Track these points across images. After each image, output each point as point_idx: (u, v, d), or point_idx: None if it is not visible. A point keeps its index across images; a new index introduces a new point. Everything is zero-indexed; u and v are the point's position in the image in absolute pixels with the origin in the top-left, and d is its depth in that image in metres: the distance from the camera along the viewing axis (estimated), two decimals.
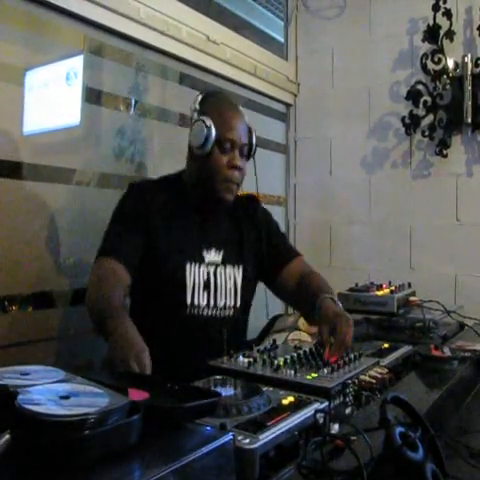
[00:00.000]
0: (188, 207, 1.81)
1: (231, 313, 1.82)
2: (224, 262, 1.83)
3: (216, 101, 1.81)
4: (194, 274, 1.76)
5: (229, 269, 1.84)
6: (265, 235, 1.96)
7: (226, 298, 1.81)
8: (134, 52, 2.29)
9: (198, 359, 1.42)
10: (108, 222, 1.73)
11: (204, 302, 1.77)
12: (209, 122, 1.69)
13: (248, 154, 1.82)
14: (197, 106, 1.76)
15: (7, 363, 0.95)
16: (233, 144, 1.74)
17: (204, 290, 1.77)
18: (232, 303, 1.83)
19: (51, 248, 1.95)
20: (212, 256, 1.81)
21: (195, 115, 1.75)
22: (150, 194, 1.76)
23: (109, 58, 2.18)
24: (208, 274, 1.78)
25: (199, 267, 1.77)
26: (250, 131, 1.81)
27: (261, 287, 1.99)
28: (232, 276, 1.84)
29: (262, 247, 1.93)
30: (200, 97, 1.79)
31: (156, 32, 2.34)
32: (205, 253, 1.80)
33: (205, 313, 1.77)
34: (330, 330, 1.50)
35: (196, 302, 1.75)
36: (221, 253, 1.83)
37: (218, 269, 1.81)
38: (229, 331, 1.63)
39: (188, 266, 1.75)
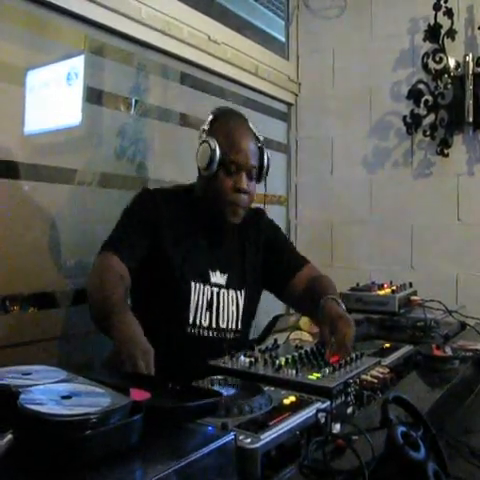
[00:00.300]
0: (197, 223, 1.80)
1: (232, 336, 1.81)
2: (228, 285, 1.82)
3: (225, 122, 1.77)
4: (199, 293, 1.74)
5: (232, 293, 1.83)
6: (269, 246, 1.95)
7: (228, 321, 1.80)
8: (135, 52, 2.29)
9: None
10: (118, 219, 1.74)
11: (206, 323, 1.75)
12: (214, 144, 1.68)
13: (259, 176, 1.80)
14: (206, 126, 1.75)
15: (9, 363, 0.95)
16: (238, 166, 1.71)
17: (207, 310, 1.75)
18: (233, 326, 1.82)
19: (53, 248, 1.95)
20: (217, 278, 1.80)
21: (203, 135, 1.74)
22: (163, 204, 1.75)
23: (110, 58, 2.17)
24: (212, 295, 1.77)
25: (204, 287, 1.76)
26: (261, 152, 1.79)
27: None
28: (235, 300, 1.83)
29: (260, 258, 1.93)
30: (210, 117, 1.77)
31: (157, 32, 2.33)
32: (211, 274, 1.79)
33: (206, 334, 1.76)
34: (331, 331, 1.49)
35: (198, 322, 1.74)
36: (225, 276, 1.82)
37: (222, 291, 1.80)
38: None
39: (193, 284, 1.73)
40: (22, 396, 0.75)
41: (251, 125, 1.82)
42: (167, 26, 2.38)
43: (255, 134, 1.80)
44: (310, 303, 1.73)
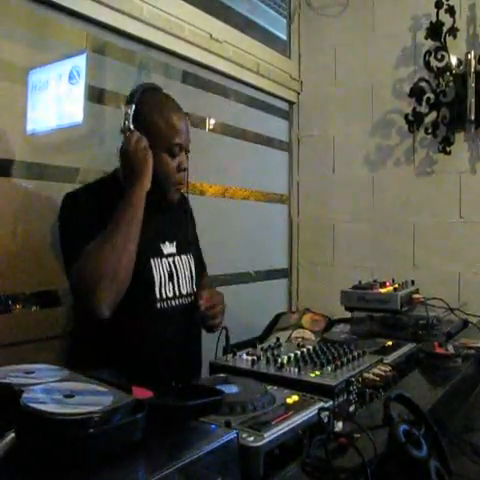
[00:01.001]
0: None
1: (191, 299, 1.84)
2: (179, 252, 1.85)
3: (158, 104, 1.75)
4: (158, 267, 1.77)
5: (184, 257, 1.86)
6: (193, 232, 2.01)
7: (187, 286, 1.83)
8: (137, 51, 2.29)
9: (172, 349, 1.53)
10: (60, 235, 1.69)
11: (171, 293, 1.78)
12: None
13: None
14: (135, 111, 1.70)
15: (12, 362, 0.95)
16: (181, 147, 1.74)
17: (169, 282, 1.78)
18: (191, 290, 1.85)
19: (55, 246, 1.95)
20: (167, 248, 1.83)
21: (131, 127, 1.70)
22: (92, 196, 1.72)
23: (112, 57, 2.17)
24: (169, 265, 1.80)
25: (160, 260, 1.78)
26: (188, 125, 1.80)
27: (265, 284, 2.00)
28: (187, 264, 1.87)
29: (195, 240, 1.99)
30: (134, 107, 1.71)
31: (159, 31, 2.33)
32: (162, 246, 1.81)
33: (173, 304, 1.78)
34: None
35: (164, 295, 1.76)
36: (174, 244, 1.85)
37: (175, 259, 1.83)
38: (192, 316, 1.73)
39: (152, 261, 1.75)
40: (25, 395, 0.75)
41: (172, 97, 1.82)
42: (169, 25, 2.38)
43: (180, 107, 1.80)
44: None
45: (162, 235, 1.83)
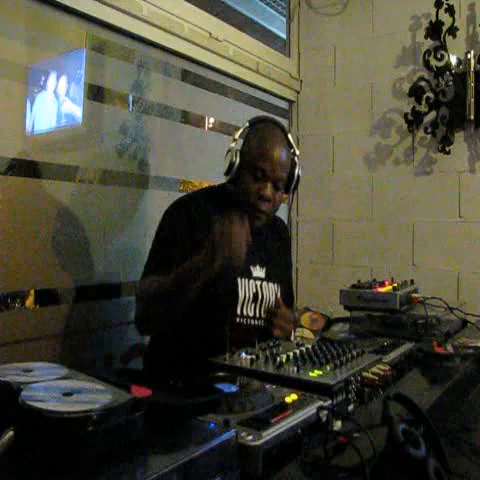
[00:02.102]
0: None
1: None
2: (267, 279, 1.90)
3: (260, 128, 1.82)
4: (244, 287, 1.82)
5: (271, 285, 1.90)
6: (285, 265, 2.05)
7: (268, 311, 1.87)
8: (136, 49, 2.29)
9: None
10: (154, 240, 1.78)
11: (251, 313, 1.83)
12: (235, 150, 1.76)
13: (286, 188, 1.83)
14: (237, 136, 1.80)
15: (11, 360, 0.95)
16: (265, 174, 1.75)
17: (252, 302, 1.83)
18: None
19: (55, 245, 1.95)
20: (257, 272, 1.87)
21: (233, 144, 1.79)
22: (194, 209, 1.78)
23: (111, 55, 2.17)
24: (256, 288, 1.85)
25: (248, 281, 1.83)
26: (292, 165, 1.82)
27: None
28: (274, 292, 1.90)
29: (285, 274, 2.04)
30: (247, 123, 1.82)
31: (158, 29, 2.33)
32: (252, 269, 1.86)
33: (252, 323, 1.83)
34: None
35: (245, 312, 1.81)
36: (264, 270, 1.90)
37: (263, 284, 1.88)
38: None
39: (239, 280, 1.80)
40: (23, 393, 0.75)
41: (289, 136, 1.84)
42: (168, 23, 2.38)
43: (290, 145, 1.83)
44: None
45: (253, 258, 1.85)
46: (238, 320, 1.80)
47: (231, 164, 1.76)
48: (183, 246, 1.71)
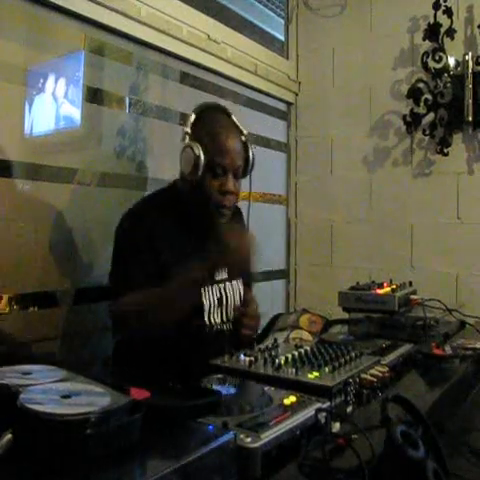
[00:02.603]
0: (188, 225, 1.78)
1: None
2: (230, 278, 1.86)
3: (209, 122, 1.74)
4: (208, 294, 1.77)
5: (234, 283, 1.87)
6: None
7: (235, 311, 1.84)
8: (135, 51, 2.29)
9: None
10: (114, 252, 1.73)
11: (218, 319, 1.80)
12: (197, 150, 1.66)
13: (244, 173, 1.79)
14: (189, 128, 1.72)
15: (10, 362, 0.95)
16: (225, 169, 1.70)
17: (218, 308, 1.80)
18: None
19: (54, 247, 1.95)
20: (219, 273, 1.81)
21: (187, 138, 1.71)
22: (151, 220, 1.72)
23: (110, 57, 2.17)
24: (220, 291, 1.82)
25: (212, 287, 1.79)
26: (246, 149, 1.77)
27: (263, 285, 2.00)
28: (237, 289, 1.87)
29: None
30: (193, 118, 1.74)
31: (157, 31, 2.33)
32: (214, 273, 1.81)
33: (220, 328, 1.80)
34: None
35: (213, 321, 1.78)
36: (226, 270, 1.84)
37: (226, 285, 1.84)
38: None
39: (203, 289, 1.75)
40: (22, 395, 0.75)
41: (235, 119, 1.79)
42: (167, 25, 2.38)
43: (240, 130, 1.78)
44: None
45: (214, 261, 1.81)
46: (207, 330, 1.76)
47: (196, 164, 1.66)
48: (150, 259, 1.66)
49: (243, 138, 1.78)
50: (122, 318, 1.65)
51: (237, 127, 1.78)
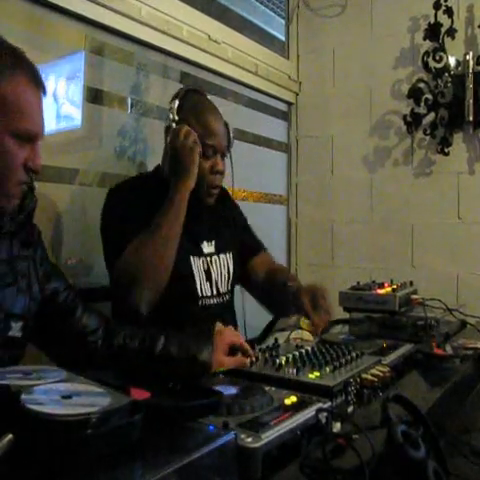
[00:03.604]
0: None
1: (228, 297, 1.90)
2: (217, 251, 1.88)
3: (194, 106, 1.79)
4: (197, 266, 1.80)
5: (222, 256, 1.89)
6: (237, 226, 2.04)
7: (223, 285, 1.87)
8: (135, 51, 2.29)
9: None
10: (102, 231, 1.74)
11: (208, 292, 1.82)
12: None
13: (227, 153, 1.84)
14: (175, 116, 1.75)
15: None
16: (215, 149, 1.76)
17: (207, 281, 1.82)
18: (228, 288, 1.90)
19: (54, 248, 1.95)
20: (206, 247, 1.86)
21: (173, 125, 1.74)
22: (135, 193, 1.75)
23: (110, 57, 2.17)
24: (207, 264, 1.83)
25: (199, 259, 1.82)
26: (227, 130, 1.83)
27: None
28: (225, 263, 1.90)
29: (238, 236, 2.01)
30: (176, 103, 1.77)
31: (157, 31, 2.33)
32: (201, 245, 1.85)
33: (211, 302, 1.82)
34: (311, 301, 1.55)
35: (203, 293, 1.80)
36: (213, 243, 1.88)
37: (213, 258, 1.86)
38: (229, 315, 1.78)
39: (192, 259, 1.79)
40: (23, 396, 0.75)
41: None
42: (167, 25, 2.38)
43: (220, 112, 1.84)
44: (273, 292, 1.89)
45: (201, 234, 1.86)
46: (201, 303, 1.78)
47: None
48: (134, 222, 1.66)
49: (223, 119, 1.85)
50: (129, 269, 1.60)
51: (218, 110, 1.85)
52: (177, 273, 1.69)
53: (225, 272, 1.89)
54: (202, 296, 1.80)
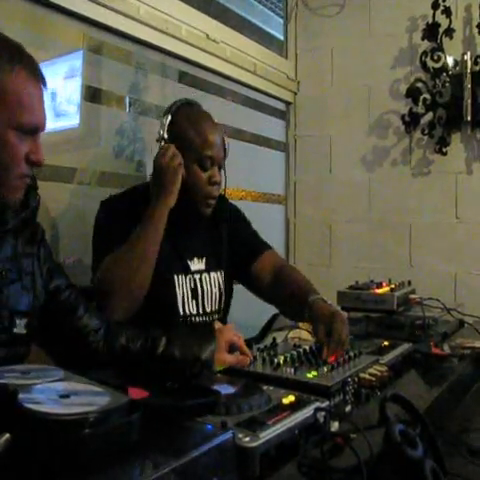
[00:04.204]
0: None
1: (217, 317, 1.85)
2: (208, 269, 1.86)
3: (191, 117, 1.77)
4: (182, 284, 1.78)
5: (213, 274, 1.87)
6: (237, 232, 1.98)
7: (212, 303, 1.84)
8: (134, 50, 2.28)
9: None
10: (92, 239, 1.74)
11: (194, 310, 1.79)
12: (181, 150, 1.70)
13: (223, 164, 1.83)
14: (164, 132, 1.74)
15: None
16: (213, 161, 1.75)
17: (193, 299, 1.79)
18: (217, 308, 1.86)
19: (52, 247, 1.94)
20: (195, 264, 1.83)
21: (162, 143, 1.73)
22: (125, 206, 1.75)
23: (108, 56, 2.17)
24: (195, 282, 1.81)
25: (186, 277, 1.79)
26: (223, 141, 1.82)
27: None
28: (216, 281, 1.87)
29: (235, 245, 1.96)
30: (169, 119, 1.75)
31: (156, 30, 2.33)
32: (189, 263, 1.82)
33: (195, 320, 1.79)
34: (326, 329, 1.50)
35: (187, 311, 1.78)
36: (203, 260, 1.85)
37: (203, 276, 1.84)
38: None
39: (176, 278, 1.77)
40: (21, 395, 0.75)
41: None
42: (165, 25, 2.38)
43: (216, 123, 1.83)
44: (289, 300, 1.80)
45: (191, 251, 1.83)
46: (182, 320, 1.76)
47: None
48: (120, 234, 1.65)
49: (220, 130, 1.84)
50: (104, 282, 1.60)
51: (214, 121, 1.83)
52: (157, 291, 1.67)
53: (216, 290, 1.86)
54: (185, 315, 1.77)
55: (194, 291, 1.80)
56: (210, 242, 1.90)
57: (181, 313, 1.76)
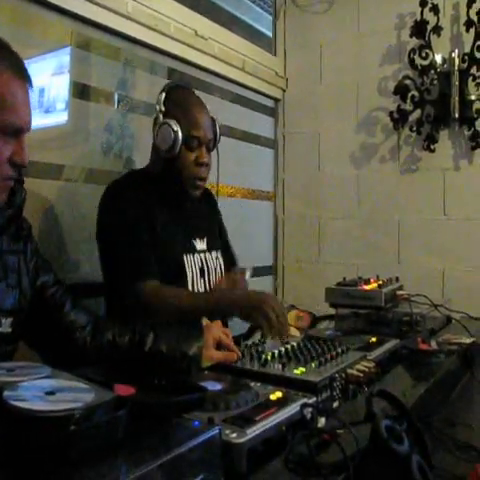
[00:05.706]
0: (164, 200, 1.84)
1: None
2: (209, 249, 1.92)
3: (180, 99, 1.82)
4: (191, 264, 1.82)
5: (214, 253, 1.93)
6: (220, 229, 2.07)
7: (216, 281, 1.90)
8: (122, 47, 2.28)
9: None
10: (104, 234, 1.78)
11: (202, 289, 1.84)
12: (175, 126, 1.74)
13: (213, 147, 1.86)
14: (161, 107, 1.79)
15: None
16: (200, 141, 1.78)
17: (201, 278, 1.84)
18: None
19: (40, 243, 1.93)
20: (199, 244, 1.89)
21: (160, 116, 1.78)
22: (134, 189, 1.79)
23: (97, 53, 2.16)
24: (201, 261, 1.86)
25: (193, 256, 1.84)
26: (214, 124, 1.85)
27: (250, 281, 2.00)
28: (217, 260, 1.93)
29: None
30: (163, 96, 1.80)
31: (144, 27, 2.32)
32: (194, 242, 1.87)
33: None
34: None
35: (196, 290, 1.82)
36: (205, 240, 1.91)
37: (206, 255, 1.89)
38: None
39: (185, 257, 1.81)
40: (6, 392, 0.74)
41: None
42: (154, 21, 2.37)
43: (207, 107, 1.87)
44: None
45: (194, 231, 1.89)
46: None
47: (175, 139, 1.74)
48: (145, 234, 1.73)
49: (211, 114, 1.87)
50: (151, 304, 1.65)
51: (205, 104, 1.88)
52: (169, 269, 1.72)
53: (218, 269, 1.92)
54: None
55: (202, 270, 1.85)
56: (206, 223, 1.97)
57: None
